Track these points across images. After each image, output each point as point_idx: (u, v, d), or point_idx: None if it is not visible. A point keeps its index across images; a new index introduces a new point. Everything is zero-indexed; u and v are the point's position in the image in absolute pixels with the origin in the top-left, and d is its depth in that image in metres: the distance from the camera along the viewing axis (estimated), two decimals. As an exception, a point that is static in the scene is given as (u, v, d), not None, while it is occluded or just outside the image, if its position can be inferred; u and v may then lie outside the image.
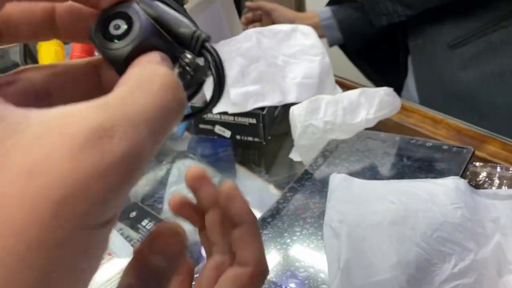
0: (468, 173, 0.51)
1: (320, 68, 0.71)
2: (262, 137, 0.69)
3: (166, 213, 0.62)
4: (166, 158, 0.72)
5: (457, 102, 0.81)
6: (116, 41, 0.18)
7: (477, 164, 0.53)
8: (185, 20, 0.19)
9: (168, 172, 0.70)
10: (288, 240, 0.44)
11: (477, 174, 0.52)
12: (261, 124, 0.67)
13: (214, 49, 0.19)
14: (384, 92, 0.55)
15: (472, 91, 0.79)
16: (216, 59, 0.19)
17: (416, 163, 0.51)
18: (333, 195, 0.45)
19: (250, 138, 0.70)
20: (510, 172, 0.50)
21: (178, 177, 0.70)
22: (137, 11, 0.18)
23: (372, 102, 0.56)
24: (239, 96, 0.66)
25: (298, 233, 0.45)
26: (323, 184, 0.50)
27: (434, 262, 0.38)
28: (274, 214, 0.48)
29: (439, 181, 0.45)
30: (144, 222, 0.55)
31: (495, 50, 0.77)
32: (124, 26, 0.18)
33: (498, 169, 0.51)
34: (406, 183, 0.45)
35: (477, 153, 0.66)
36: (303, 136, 0.58)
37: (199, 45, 0.19)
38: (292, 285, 0.40)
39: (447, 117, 0.74)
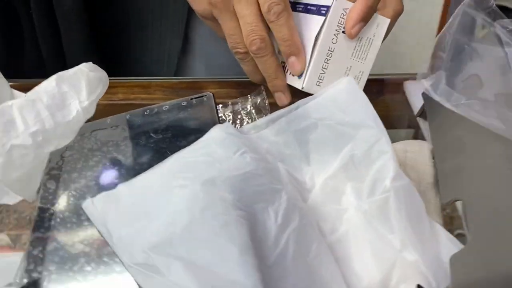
0: (220, 116, 0.46)
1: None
2: None
3: None
4: None
5: None
6: None
7: (220, 106, 0.48)
8: None
9: None
10: None
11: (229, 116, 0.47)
12: None
13: None
14: (88, 69, 0.43)
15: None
16: None
17: (168, 133, 0.43)
18: (106, 226, 0.33)
19: None
20: (249, 100, 0.47)
21: None
22: None
23: (79, 86, 0.43)
24: None
25: None
26: (67, 220, 0.37)
27: (256, 229, 0.32)
28: None
29: (205, 138, 0.38)
30: None
31: None
32: None
33: (239, 103, 0.47)
34: (177, 160, 0.36)
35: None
36: (10, 166, 0.41)
37: None
38: None
39: (155, 79, 0.67)
